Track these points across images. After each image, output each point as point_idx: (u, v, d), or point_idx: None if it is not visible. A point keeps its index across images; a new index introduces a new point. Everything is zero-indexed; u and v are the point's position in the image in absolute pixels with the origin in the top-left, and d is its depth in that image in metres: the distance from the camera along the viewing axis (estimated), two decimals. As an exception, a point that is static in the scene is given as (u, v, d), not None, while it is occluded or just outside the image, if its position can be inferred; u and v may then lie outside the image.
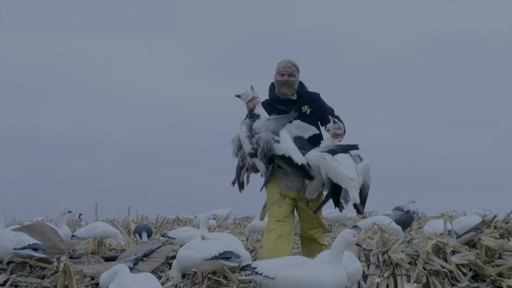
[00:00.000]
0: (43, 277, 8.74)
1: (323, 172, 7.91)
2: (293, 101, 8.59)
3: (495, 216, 10.16)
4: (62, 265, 6.97)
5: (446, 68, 50.22)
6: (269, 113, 8.38)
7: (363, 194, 7.98)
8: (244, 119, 8.49)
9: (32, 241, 9.28)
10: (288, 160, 8.08)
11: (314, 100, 8.74)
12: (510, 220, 10.47)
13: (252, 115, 8.33)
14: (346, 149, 7.79)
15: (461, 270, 8.23)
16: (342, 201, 7.75)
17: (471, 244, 8.76)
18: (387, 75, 49.35)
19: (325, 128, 8.31)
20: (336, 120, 8.19)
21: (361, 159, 8.26)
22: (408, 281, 7.82)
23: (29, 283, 8.54)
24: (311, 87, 8.83)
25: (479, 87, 47.52)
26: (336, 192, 7.92)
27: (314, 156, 7.74)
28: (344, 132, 8.38)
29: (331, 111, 8.64)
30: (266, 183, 8.41)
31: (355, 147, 7.92)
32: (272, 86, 8.84)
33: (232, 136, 8.89)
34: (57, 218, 13.25)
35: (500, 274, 8.32)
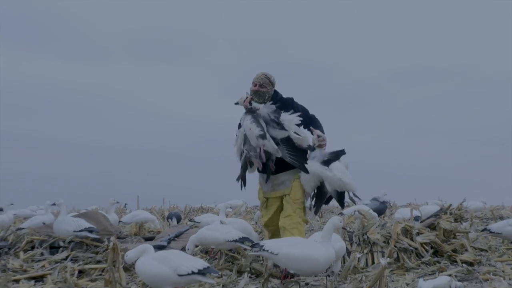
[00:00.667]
0: (96, 253, 8.79)
1: (327, 184, 7.25)
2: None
3: (450, 205, 10.24)
4: (111, 244, 7.01)
5: (413, 91, 51.02)
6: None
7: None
8: (243, 114, 7.58)
9: (87, 225, 9.33)
10: (289, 140, 7.30)
11: (288, 103, 7.73)
12: (462, 208, 10.51)
13: (248, 110, 7.44)
14: (338, 155, 7.34)
15: (424, 248, 8.27)
16: (350, 199, 7.36)
17: (432, 227, 8.80)
18: (366, 96, 50.31)
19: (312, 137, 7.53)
20: (319, 133, 7.42)
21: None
22: (383, 256, 7.86)
23: (85, 258, 8.59)
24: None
25: (438, 106, 48.38)
26: (340, 194, 7.29)
27: (319, 169, 7.20)
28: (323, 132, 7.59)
29: (304, 110, 7.71)
30: (268, 172, 7.45)
31: (343, 152, 7.36)
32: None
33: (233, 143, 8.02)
34: (107, 207, 13.28)
35: (454, 251, 8.35)
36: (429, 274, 7.21)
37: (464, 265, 7.86)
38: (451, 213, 9.48)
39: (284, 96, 7.97)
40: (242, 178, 7.82)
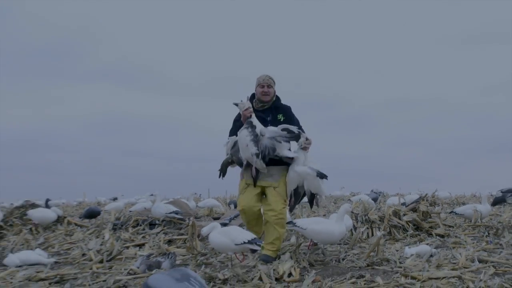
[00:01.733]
0: (180, 229, 8.85)
1: (306, 183, 6.03)
2: (271, 109, 6.17)
3: (426, 194, 10.11)
4: (190, 222, 7.06)
5: (397, 116, 51.93)
6: None
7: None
8: (243, 127, 5.88)
9: (174, 209, 9.41)
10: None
11: (287, 110, 6.22)
12: (434, 196, 10.45)
13: (249, 123, 5.80)
14: (322, 176, 5.94)
15: (408, 224, 8.14)
16: (315, 202, 6.17)
17: (414, 210, 8.64)
18: (362, 119, 50.87)
19: (297, 141, 6.01)
20: (308, 137, 5.97)
21: None
22: (379, 230, 7.77)
23: (173, 232, 8.66)
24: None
25: (416, 126, 49.14)
26: (312, 196, 6.13)
27: (304, 169, 5.89)
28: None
29: (297, 122, 6.19)
30: (256, 179, 5.96)
31: (325, 176, 5.95)
32: (252, 97, 6.27)
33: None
34: (186, 198, 13.43)
35: (430, 227, 8.22)
36: (413, 244, 7.12)
37: (437, 237, 7.76)
38: (427, 200, 9.37)
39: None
40: (223, 171, 6.37)
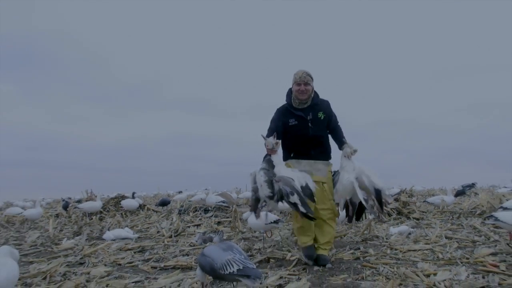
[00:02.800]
0: (226, 213, 8.88)
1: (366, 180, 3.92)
2: (310, 107, 4.11)
3: (405, 189, 9.85)
4: (234, 208, 7.08)
5: (383, 132, 51.69)
6: (288, 117, 4.09)
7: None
8: (262, 165, 3.79)
9: (222, 199, 9.46)
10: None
11: (327, 107, 4.16)
12: (412, 190, 10.15)
13: (269, 161, 3.77)
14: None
15: (392, 210, 7.95)
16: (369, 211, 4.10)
17: (397, 200, 8.45)
18: (360, 136, 50.65)
19: (342, 148, 4.06)
20: (355, 150, 3.96)
21: None
22: (370, 214, 7.60)
23: (221, 215, 8.68)
24: None
25: (399, 141, 48.93)
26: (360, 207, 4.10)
27: (349, 179, 3.85)
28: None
29: (335, 120, 4.21)
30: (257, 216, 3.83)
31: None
32: (289, 92, 4.18)
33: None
34: (230, 191, 13.46)
35: (409, 212, 8.00)
36: (395, 225, 6.93)
37: (414, 219, 7.53)
38: (406, 193, 9.13)
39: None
40: (254, 208, 3.76)
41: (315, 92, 4.17)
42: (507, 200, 7.81)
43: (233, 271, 2.59)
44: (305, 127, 4.06)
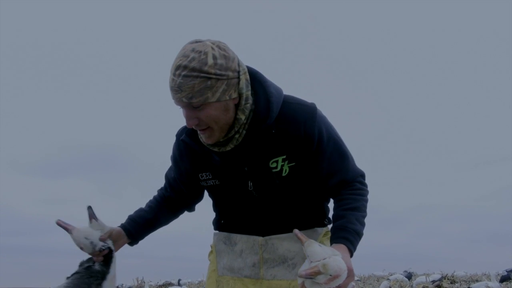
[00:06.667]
0: None
1: None
2: (243, 146, 1.14)
3: (446, 274, 9.81)
4: None
5: (418, 218, 50.57)
6: (200, 167, 1.23)
7: None
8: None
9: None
10: None
11: (299, 135, 1.13)
12: (454, 275, 10.07)
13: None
14: None
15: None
16: None
17: (438, 286, 8.48)
18: (397, 220, 49.93)
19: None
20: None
21: None
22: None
23: None
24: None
25: (433, 225, 47.68)
26: None
27: None
28: None
29: (335, 151, 1.17)
30: None
31: None
32: None
33: None
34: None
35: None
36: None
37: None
38: (448, 279, 9.12)
39: None
40: None
41: (264, 92, 1.14)
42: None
43: None
44: (241, 191, 1.26)
